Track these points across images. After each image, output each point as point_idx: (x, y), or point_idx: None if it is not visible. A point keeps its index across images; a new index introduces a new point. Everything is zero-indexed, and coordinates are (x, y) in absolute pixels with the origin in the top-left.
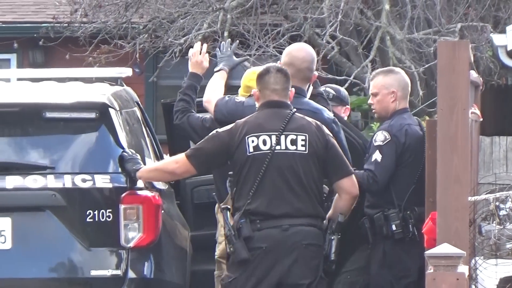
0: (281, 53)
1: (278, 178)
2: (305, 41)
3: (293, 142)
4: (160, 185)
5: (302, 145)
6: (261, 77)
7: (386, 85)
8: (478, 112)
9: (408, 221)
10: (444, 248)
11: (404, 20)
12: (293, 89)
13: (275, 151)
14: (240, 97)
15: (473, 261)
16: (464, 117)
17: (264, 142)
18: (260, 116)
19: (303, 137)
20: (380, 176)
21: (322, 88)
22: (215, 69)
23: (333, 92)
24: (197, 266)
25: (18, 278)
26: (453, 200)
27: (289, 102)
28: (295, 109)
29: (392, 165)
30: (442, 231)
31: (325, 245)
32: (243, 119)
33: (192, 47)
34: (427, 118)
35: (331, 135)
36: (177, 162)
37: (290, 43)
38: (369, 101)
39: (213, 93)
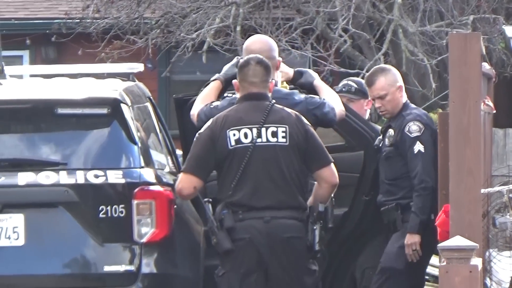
0: (293, 47)
1: (259, 170)
2: (318, 35)
3: (274, 134)
4: (172, 180)
5: (283, 137)
6: (240, 68)
7: (392, 82)
8: (491, 104)
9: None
10: (457, 241)
11: (416, 12)
12: (273, 81)
13: (256, 144)
14: (216, 102)
15: (487, 253)
16: (476, 109)
17: (246, 135)
18: (240, 109)
19: (284, 129)
20: (428, 169)
21: (344, 82)
22: (212, 78)
23: (355, 86)
24: (211, 261)
25: (31, 275)
26: (466, 192)
27: (268, 94)
28: (274, 101)
29: (435, 151)
30: (455, 224)
31: (309, 236)
32: (223, 113)
33: (204, 41)
34: (440, 110)
35: (310, 124)
36: (179, 182)
37: (302, 37)
38: (376, 105)
39: (199, 106)
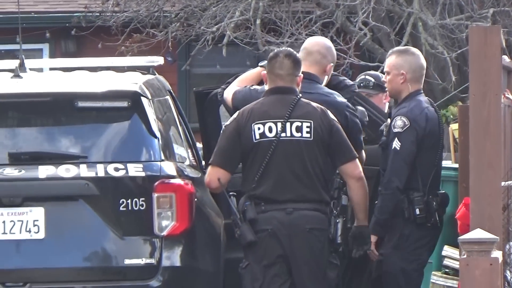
0: None
1: (283, 165)
2: (337, 28)
3: (298, 129)
4: (193, 173)
5: (307, 132)
6: (269, 60)
7: (397, 65)
8: (511, 97)
9: (432, 206)
10: (477, 234)
11: (436, 6)
12: (302, 75)
13: (281, 138)
14: (255, 85)
15: (507, 246)
16: (496, 102)
17: (270, 130)
18: (266, 103)
19: (308, 124)
20: (397, 168)
21: (361, 76)
22: (260, 64)
23: (373, 80)
24: (231, 254)
25: (51, 268)
26: (486, 185)
27: (295, 88)
28: (300, 95)
29: (412, 152)
30: (475, 217)
31: (331, 229)
32: (249, 106)
33: (224, 35)
34: (460, 103)
35: (336, 119)
36: (207, 175)
37: (322, 31)
38: (383, 78)
39: (234, 88)
